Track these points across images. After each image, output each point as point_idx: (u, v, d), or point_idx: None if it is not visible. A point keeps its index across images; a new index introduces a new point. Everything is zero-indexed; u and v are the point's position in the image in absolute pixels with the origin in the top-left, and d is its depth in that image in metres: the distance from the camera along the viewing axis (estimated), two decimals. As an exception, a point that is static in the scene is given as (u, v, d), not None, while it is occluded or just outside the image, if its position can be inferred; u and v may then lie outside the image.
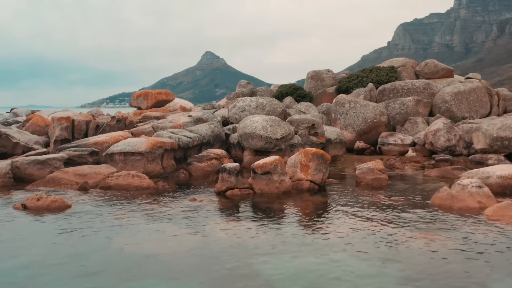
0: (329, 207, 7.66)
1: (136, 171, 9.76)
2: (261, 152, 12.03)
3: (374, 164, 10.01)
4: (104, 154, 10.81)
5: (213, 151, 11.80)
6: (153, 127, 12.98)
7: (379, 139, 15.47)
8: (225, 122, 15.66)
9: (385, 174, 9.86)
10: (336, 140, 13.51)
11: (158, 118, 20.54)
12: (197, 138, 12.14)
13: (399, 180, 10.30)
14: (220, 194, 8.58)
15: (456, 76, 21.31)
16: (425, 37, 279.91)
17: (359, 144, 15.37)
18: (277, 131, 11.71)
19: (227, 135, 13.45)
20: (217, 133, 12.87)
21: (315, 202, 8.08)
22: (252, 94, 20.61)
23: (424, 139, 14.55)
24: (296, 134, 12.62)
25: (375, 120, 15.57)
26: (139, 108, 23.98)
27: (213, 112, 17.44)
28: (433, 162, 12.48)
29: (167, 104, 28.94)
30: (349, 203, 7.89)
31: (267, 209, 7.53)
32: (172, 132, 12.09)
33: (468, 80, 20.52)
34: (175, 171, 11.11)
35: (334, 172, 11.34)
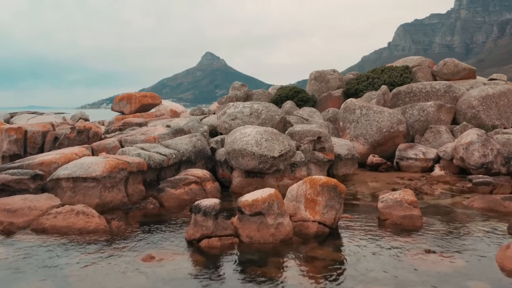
0: (349, 274, 5.15)
1: (84, 205, 7.26)
2: (254, 174, 9.55)
3: (402, 194, 7.51)
4: (48, 179, 8.32)
5: (193, 172, 9.30)
6: (120, 141, 10.48)
7: (397, 152, 12.99)
8: (213, 132, 13.18)
9: (418, 208, 7.36)
10: (347, 156, 11.01)
11: (140, 124, 18.21)
12: (174, 156, 9.65)
13: (434, 216, 7.79)
14: (193, 244, 6.09)
15: (478, 77, 18.87)
16: (426, 37, 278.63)
17: (373, 158, 12.89)
18: (274, 147, 9.22)
19: (213, 150, 10.97)
20: (200, 148, 10.38)
21: (327, 262, 5.55)
22: (247, 97, 18.13)
23: (452, 153, 12.07)
24: (298, 149, 10.13)
25: (391, 130, 13.08)
26: (122, 113, 21.53)
27: (201, 120, 14.97)
28: (469, 185, 9.99)
29: (157, 107, 26.58)
30: (376, 263, 5.39)
31: (259, 276, 5.03)
32: (142, 148, 9.60)
33: (493, 81, 18.08)
34: (144, 200, 8.63)
35: (346, 199, 8.84)
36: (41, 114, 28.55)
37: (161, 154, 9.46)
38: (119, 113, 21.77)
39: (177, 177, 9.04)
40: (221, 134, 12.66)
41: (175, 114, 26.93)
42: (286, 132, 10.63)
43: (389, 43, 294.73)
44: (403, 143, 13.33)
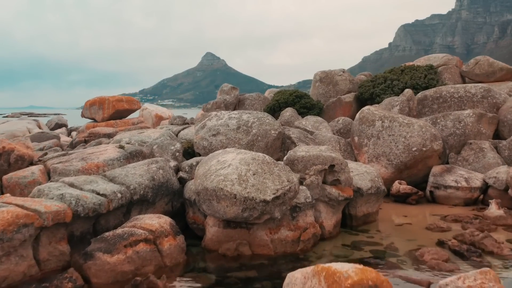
0: None
1: None
2: (237, 223, 6.44)
3: (479, 280, 4.39)
4: None
5: (144, 224, 6.17)
6: (48, 171, 7.36)
7: (431, 178, 9.91)
8: (189, 150, 10.10)
9: (510, 306, 4.25)
10: (370, 190, 7.88)
11: (109, 135, 15.21)
12: (120, 195, 6.53)
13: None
14: None
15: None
16: (426, 38, 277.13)
17: (400, 186, 9.79)
18: (266, 184, 6.11)
19: (183, 181, 7.87)
20: (161, 181, 7.25)
21: None
22: (238, 103, 15.04)
23: (508, 182, 8.98)
24: (302, 184, 7.03)
25: (424, 149, 9.98)
26: (94, 120, 18.43)
27: (178, 132, 11.88)
28: (551, 237, 6.88)
29: (140, 111, 23.57)
30: None
31: None
32: (72, 185, 6.48)
33: (534, 84, 15.01)
34: (61, 273, 5.52)
35: (374, 265, 5.78)
36: (12, 117, 25.45)
37: (98, 193, 6.35)
38: (92, 120, 18.70)
39: (117, 232, 5.90)
40: (199, 155, 9.57)
41: (160, 119, 23.79)
42: (285, 158, 7.50)
43: (390, 44, 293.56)
44: (438, 165, 10.24)
